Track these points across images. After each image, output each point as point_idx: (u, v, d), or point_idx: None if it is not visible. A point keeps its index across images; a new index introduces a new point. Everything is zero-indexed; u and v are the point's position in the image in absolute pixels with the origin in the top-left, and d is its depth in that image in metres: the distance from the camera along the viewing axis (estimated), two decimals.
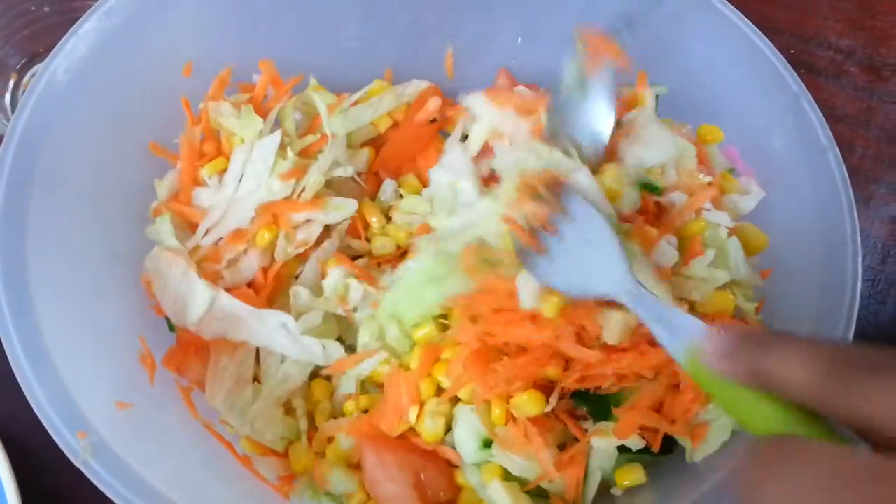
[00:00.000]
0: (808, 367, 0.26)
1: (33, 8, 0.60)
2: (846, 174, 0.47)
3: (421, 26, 0.55)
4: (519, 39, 0.57)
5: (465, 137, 0.53)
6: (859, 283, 0.44)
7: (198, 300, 0.47)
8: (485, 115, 0.51)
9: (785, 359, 0.27)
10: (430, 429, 0.45)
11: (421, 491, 0.44)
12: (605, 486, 0.45)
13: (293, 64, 0.54)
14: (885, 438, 0.25)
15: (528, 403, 0.43)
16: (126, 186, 0.51)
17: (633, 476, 0.44)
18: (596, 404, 0.44)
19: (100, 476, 0.39)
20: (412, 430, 0.46)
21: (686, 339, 0.31)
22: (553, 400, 0.43)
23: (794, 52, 0.69)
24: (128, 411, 0.43)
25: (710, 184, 0.49)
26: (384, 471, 0.44)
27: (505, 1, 0.56)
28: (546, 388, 0.44)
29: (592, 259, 0.40)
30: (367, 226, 0.53)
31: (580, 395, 0.44)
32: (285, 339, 0.47)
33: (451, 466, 0.46)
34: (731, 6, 0.52)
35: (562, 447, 0.44)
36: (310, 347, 0.47)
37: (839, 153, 0.48)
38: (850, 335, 0.43)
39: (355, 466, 0.47)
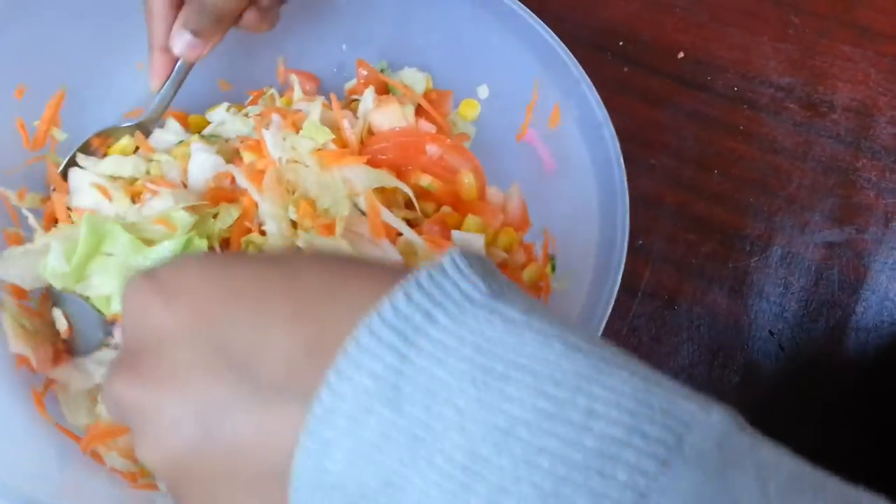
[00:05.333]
0: None
1: None
2: (619, 146, 0.50)
3: (249, 40, 0.58)
4: (344, 46, 0.61)
5: None
6: (626, 237, 0.47)
7: None
8: None
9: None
10: None
11: None
12: None
13: (130, 82, 0.58)
14: None
15: None
16: None
17: None
18: None
19: None
20: None
21: None
22: None
23: (738, 90, 0.71)
24: None
25: None
26: None
27: (326, 13, 0.60)
28: None
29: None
30: None
31: None
32: None
33: None
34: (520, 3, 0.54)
35: None
36: None
37: (612, 128, 0.51)
38: (616, 287, 0.46)
39: None
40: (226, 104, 0.60)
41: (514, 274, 0.54)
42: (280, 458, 0.23)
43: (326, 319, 0.24)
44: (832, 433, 0.59)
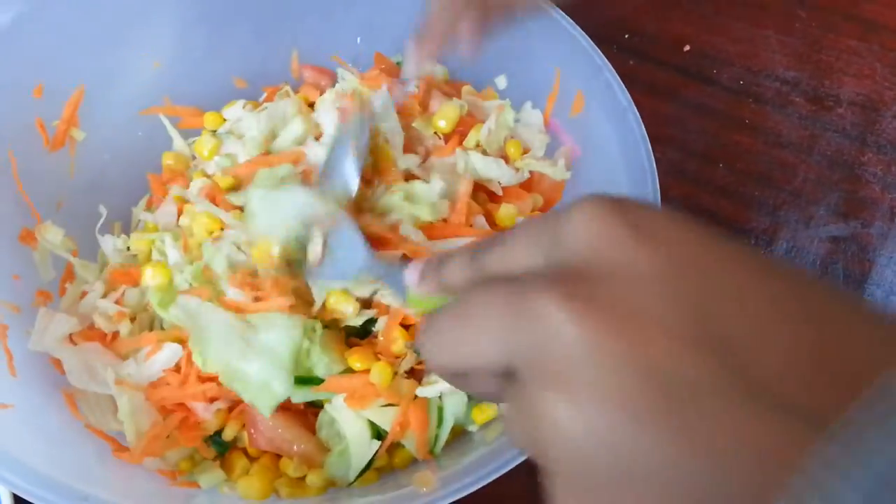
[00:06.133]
0: (461, 265, 0.30)
1: None
2: (644, 129, 0.50)
3: (263, 33, 0.58)
4: (358, 39, 0.61)
5: None
6: None
7: None
8: None
9: (450, 268, 0.31)
10: None
11: (312, 429, 0.50)
12: (460, 427, 0.49)
13: (145, 75, 0.58)
14: None
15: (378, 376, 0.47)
16: None
17: (488, 412, 0.48)
18: None
19: None
20: None
21: (404, 282, 0.35)
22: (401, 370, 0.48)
23: (744, 83, 0.71)
24: (10, 411, 0.45)
25: None
26: (277, 420, 0.48)
27: (339, 6, 0.59)
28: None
29: (348, 257, 0.49)
30: None
31: None
32: None
33: None
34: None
35: None
36: None
37: (637, 111, 0.51)
38: None
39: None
40: (242, 101, 0.60)
41: None
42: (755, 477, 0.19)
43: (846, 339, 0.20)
44: None
